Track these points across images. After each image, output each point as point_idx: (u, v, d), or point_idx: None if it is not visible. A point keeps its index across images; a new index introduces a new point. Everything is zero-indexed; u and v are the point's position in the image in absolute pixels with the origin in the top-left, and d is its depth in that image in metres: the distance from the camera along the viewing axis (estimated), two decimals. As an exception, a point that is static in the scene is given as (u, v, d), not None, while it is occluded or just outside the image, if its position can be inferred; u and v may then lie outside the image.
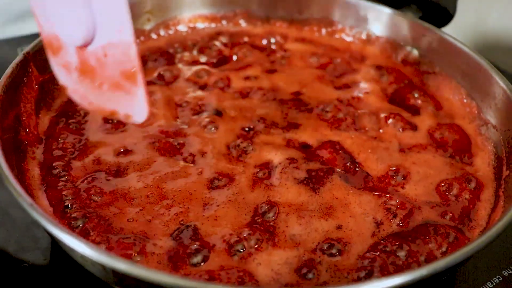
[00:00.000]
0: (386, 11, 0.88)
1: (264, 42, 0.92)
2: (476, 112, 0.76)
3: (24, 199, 0.50)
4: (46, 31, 0.58)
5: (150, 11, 0.88)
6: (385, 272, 0.53)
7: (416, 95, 0.80)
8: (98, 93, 0.56)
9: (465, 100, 0.78)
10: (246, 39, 0.92)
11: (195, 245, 0.54)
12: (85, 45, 0.54)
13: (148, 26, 0.89)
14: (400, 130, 0.73)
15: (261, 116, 0.73)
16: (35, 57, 0.70)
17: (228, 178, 0.63)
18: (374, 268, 0.53)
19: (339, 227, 0.58)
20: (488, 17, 1.16)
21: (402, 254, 0.55)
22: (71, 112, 0.72)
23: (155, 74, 0.82)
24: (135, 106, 0.54)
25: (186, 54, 0.87)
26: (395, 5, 0.88)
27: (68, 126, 0.70)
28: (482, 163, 0.70)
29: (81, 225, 0.56)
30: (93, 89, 0.57)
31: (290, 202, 0.60)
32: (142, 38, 0.89)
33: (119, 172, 0.63)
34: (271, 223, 0.57)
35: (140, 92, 0.53)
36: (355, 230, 0.58)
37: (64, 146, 0.67)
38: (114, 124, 0.70)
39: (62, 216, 0.57)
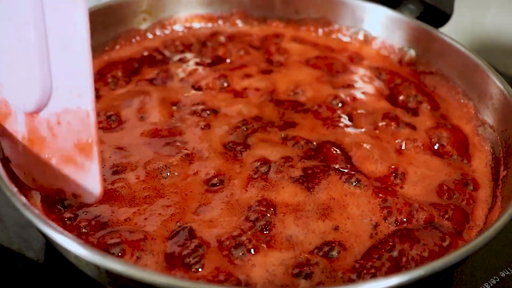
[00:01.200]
0: (383, 11, 0.87)
1: (261, 42, 0.91)
2: (473, 112, 0.75)
3: (17, 199, 0.49)
4: None
5: (146, 10, 0.88)
6: (383, 273, 0.52)
7: (412, 95, 0.80)
8: (44, 169, 0.51)
9: (462, 101, 0.78)
10: (242, 39, 0.92)
11: (191, 246, 0.54)
12: (36, 111, 0.49)
13: (144, 26, 0.88)
14: (397, 130, 0.73)
15: (257, 115, 0.73)
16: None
17: (224, 178, 0.62)
18: (371, 269, 0.53)
19: (336, 228, 0.57)
20: (485, 18, 1.16)
21: (400, 254, 0.55)
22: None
23: (151, 74, 0.81)
24: (87, 184, 0.49)
25: (182, 54, 0.87)
26: (392, 5, 0.87)
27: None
28: (480, 164, 0.69)
29: (75, 225, 0.55)
30: (38, 164, 0.51)
31: (287, 202, 0.60)
32: (137, 37, 0.88)
33: (114, 171, 0.62)
34: (268, 224, 0.57)
35: (94, 167, 0.48)
36: (352, 231, 0.57)
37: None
38: (109, 123, 0.70)
39: (56, 216, 0.56)
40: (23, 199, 0.49)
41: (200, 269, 0.52)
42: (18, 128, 0.51)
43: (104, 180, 0.58)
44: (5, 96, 0.51)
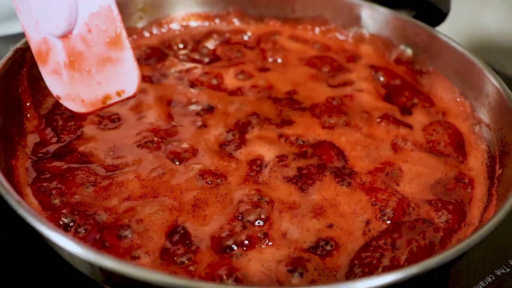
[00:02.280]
0: (379, 10, 0.87)
1: (258, 41, 0.91)
2: (469, 111, 0.75)
3: (11, 196, 0.49)
4: (34, 39, 0.59)
5: (142, 9, 0.88)
6: (377, 270, 0.52)
7: (409, 94, 0.80)
8: (89, 83, 0.56)
9: (458, 99, 0.78)
10: (239, 37, 0.92)
11: (186, 244, 0.54)
12: (70, 31, 0.55)
13: (140, 24, 0.88)
14: (393, 128, 0.73)
15: (255, 112, 0.73)
16: (26, 53, 0.69)
17: (220, 176, 0.62)
18: (365, 266, 0.53)
19: (330, 226, 0.57)
20: (482, 17, 1.16)
21: (393, 252, 0.55)
22: (61, 111, 0.71)
23: (147, 72, 0.81)
24: (126, 75, 0.54)
25: (179, 52, 0.87)
26: (388, 4, 0.87)
27: (60, 125, 0.69)
28: (476, 162, 0.69)
29: (69, 223, 0.55)
30: (83, 81, 0.56)
31: (283, 201, 0.60)
32: (134, 36, 0.88)
33: (110, 169, 0.62)
34: (263, 221, 0.57)
35: (128, 55, 0.53)
36: (345, 229, 0.57)
37: (54, 142, 0.66)
38: (106, 122, 0.70)
39: (51, 214, 0.56)
40: (17, 196, 0.49)
41: (194, 266, 0.52)
42: (59, 58, 0.58)
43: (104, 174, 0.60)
44: (43, 32, 0.57)
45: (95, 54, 0.55)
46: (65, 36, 0.56)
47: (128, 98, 0.55)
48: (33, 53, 0.61)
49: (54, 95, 0.61)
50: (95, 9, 0.53)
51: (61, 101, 0.61)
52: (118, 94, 0.55)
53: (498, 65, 0.98)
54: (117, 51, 0.53)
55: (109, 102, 0.57)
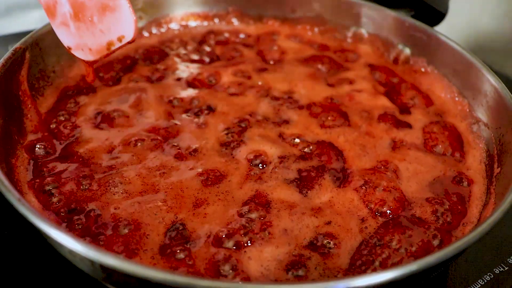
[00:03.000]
0: (378, 9, 0.88)
1: (257, 40, 0.91)
2: (467, 110, 0.76)
3: (12, 194, 0.49)
4: None
5: (142, 8, 0.88)
6: (376, 267, 0.53)
7: (408, 93, 0.80)
8: (93, 32, 0.61)
9: (457, 98, 0.78)
10: (238, 37, 0.92)
11: (185, 241, 0.54)
12: None
13: (140, 24, 0.89)
14: (392, 128, 0.73)
15: (253, 111, 0.73)
16: (26, 53, 0.69)
17: (221, 174, 0.63)
18: (365, 264, 0.53)
19: (328, 223, 0.58)
20: (480, 17, 1.17)
21: (392, 249, 0.55)
22: (61, 110, 0.72)
23: (147, 71, 0.81)
24: (123, 21, 0.59)
25: (178, 52, 0.87)
26: (387, 4, 0.88)
27: (60, 123, 0.69)
28: (474, 161, 0.70)
29: (69, 220, 0.55)
30: (88, 30, 0.61)
31: (282, 199, 0.60)
32: (134, 35, 0.88)
33: (110, 167, 0.63)
34: (263, 220, 0.57)
35: (123, 1, 0.58)
36: (343, 226, 0.58)
37: (53, 142, 0.66)
38: (105, 120, 0.70)
39: (50, 212, 0.56)
40: (18, 195, 0.49)
41: (193, 262, 0.52)
42: (65, 9, 0.62)
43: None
44: None
45: (95, 3, 0.59)
46: None
47: (128, 42, 0.60)
48: (43, 8, 0.64)
49: (66, 46, 0.65)
50: None
51: (72, 52, 0.65)
52: (119, 39, 0.60)
53: (497, 64, 0.98)
54: (111, 1, 0.58)
55: (112, 48, 0.61)
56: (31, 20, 1.01)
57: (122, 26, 0.60)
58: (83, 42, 0.63)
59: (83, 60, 0.65)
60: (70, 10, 0.62)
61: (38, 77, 0.73)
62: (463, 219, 0.62)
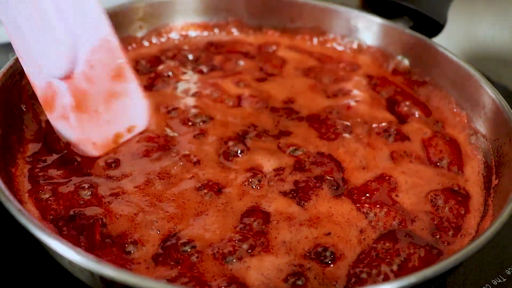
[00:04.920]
0: (377, 20, 0.88)
1: (256, 50, 0.92)
2: (466, 121, 0.76)
3: (12, 204, 0.49)
4: (39, 87, 0.58)
5: (142, 18, 0.88)
6: (374, 280, 0.53)
7: (406, 104, 0.80)
8: (97, 124, 0.55)
9: (455, 110, 0.79)
10: (238, 47, 0.92)
11: (185, 252, 0.54)
12: (71, 69, 0.54)
13: (140, 34, 0.89)
14: (391, 139, 0.73)
15: (252, 123, 0.73)
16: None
17: (219, 186, 0.63)
18: (363, 276, 0.53)
19: (327, 234, 0.58)
20: (478, 28, 1.17)
21: (390, 262, 0.55)
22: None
23: (146, 81, 0.81)
24: (133, 108, 0.53)
25: (178, 61, 0.87)
26: (386, 15, 0.88)
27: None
28: (472, 172, 0.70)
29: (68, 229, 0.55)
30: (91, 122, 0.55)
31: (280, 211, 0.60)
32: (134, 45, 0.89)
33: (109, 178, 0.63)
34: (262, 231, 0.57)
35: (133, 86, 0.52)
36: (342, 237, 0.58)
37: (53, 152, 0.66)
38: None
39: (49, 222, 0.56)
40: (18, 205, 0.49)
41: (193, 274, 0.52)
42: (65, 100, 0.56)
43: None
44: (47, 76, 0.56)
45: (101, 91, 0.54)
46: (68, 76, 0.54)
47: (140, 133, 0.54)
48: (41, 102, 0.59)
49: (65, 142, 0.60)
50: (95, 42, 0.51)
51: (72, 147, 0.59)
52: (129, 130, 0.55)
53: (495, 75, 0.99)
54: (122, 84, 0.52)
55: (121, 140, 0.55)
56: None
57: (132, 114, 0.54)
58: (86, 136, 0.57)
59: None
60: (71, 100, 0.55)
61: (39, 86, 0.73)
62: (461, 231, 0.62)
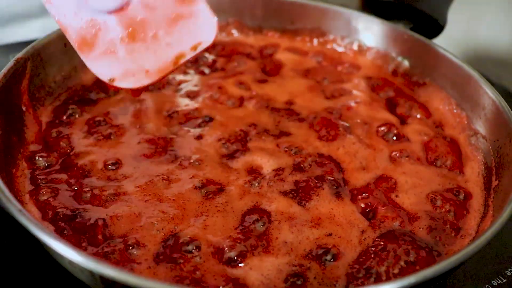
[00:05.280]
0: (377, 22, 0.88)
1: (256, 52, 0.92)
2: (466, 122, 0.76)
3: (13, 205, 0.49)
4: (73, 28, 0.55)
5: (143, 19, 0.88)
6: (374, 280, 0.53)
7: (406, 105, 0.81)
8: (154, 50, 0.54)
9: (455, 111, 0.79)
10: (238, 48, 0.92)
11: (185, 252, 0.54)
12: (127, 1, 0.52)
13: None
14: (391, 140, 0.73)
15: (253, 122, 0.73)
16: (27, 63, 0.69)
17: (220, 186, 0.63)
18: (363, 277, 0.53)
19: (329, 235, 0.58)
20: (478, 29, 1.18)
21: (390, 262, 0.55)
22: (62, 120, 0.72)
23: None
24: (201, 26, 0.52)
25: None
26: (386, 16, 0.88)
27: (60, 134, 0.70)
28: (472, 173, 0.70)
29: (70, 231, 0.55)
30: (147, 50, 0.54)
31: (282, 211, 0.60)
32: (134, 46, 0.88)
33: (110, 179, 0.63)
34: (263, 231, 0.57)
35: (202, 5, 0.51)
36: (344, 237, 0.58)
37: (54, 153, 0.66)
38: (105, 132, 0.70)
39: (50, 222, 0.56)
40: (19, 205, 0.49)
41: (194, 274, 0.52)
42: (113, 35, 0.54)
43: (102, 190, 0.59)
44: (92, 13, 0.54)
45: (162, 16, 0.52)
46: (119, 9, 0.53)
47: (206, 49, 0.53)
48: (74, 42, 0.56)
49: (106, 80, 0.57)
50: None
51: (116, 83, 0.57)
52: (194, 48, 0.54)
53: (494, 76, 0.99)
54: (189, 6, 0.51)
55: (182, 60, 0.54)
56: (33, 29, 1.02)
57: (198, 33, 0.52)
58: (137, 66, 0.55)
59: (129, 88, 0.57)
60: (122, 33, 0.54)
61: (39, 87, 0.73)
62: (461, 231, 0.62)
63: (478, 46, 1.18)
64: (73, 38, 0.56)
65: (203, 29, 0.52)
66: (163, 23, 0.53)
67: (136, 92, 0.58)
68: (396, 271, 0.54)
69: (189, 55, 0.54)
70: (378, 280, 0.53)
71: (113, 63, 0.56)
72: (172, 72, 0.56)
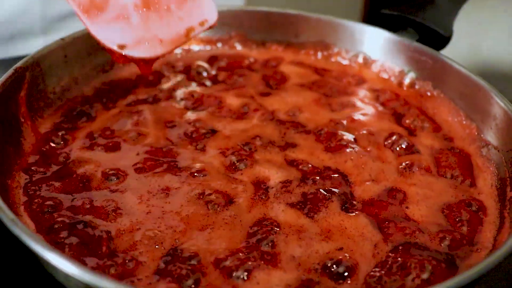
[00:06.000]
0: (382, 34, 0.87)
1: (260, 65, 0.91)
2: (476, 133, 0.74)
3: (6, 214, 0.47)
4: None
5: (144, 32, 0.87)
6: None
7: (414, 117, 0.79)
8: (168, 21, 0.56)
9: (464, 122, 0.77)
10: (241, 62, 0.91)
11: (189, 267, 0.51)
12: None
13: (142, 48, 0.87)
14: (399, 152, 0.71)
15: (257, 135, 0.71)
16: (26, 73, 0.68)
17: (227, 198, 0.60)
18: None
19: (340, 249, 0.55)
20: (482, 43, 1.17)
21: (405, 275, 0.52)
22: (60, 132, 0.70)
23: (148, 94, 0.80)
24: (204, 5, 0.56)
25: (180, 75, 0.86)
26: (391, 28, 0.87)
27: (58, 145, 0.68)
28: (485, 185, 0.68)
29: (66, 244, 0.52)
30: (161, 20, 0.55)
31: (290, 224, 0.58)
32: (136, 59, 0.87)
33: (109, 190, 0.60)
34: (271, 245, 0.55)
35: None
36: (355, 250, 0.55)
37: (51, 164, 0.64)
38: (104, 143, 0.68)
39: (46, 235, 0.54)
40: (12, 215, 0.47)
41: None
42: (126, 0, 0.55)
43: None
44: None
45: None
46: None
47: (210, 27, 0.57)
48: (81, 7, 0.54)
49: (115, 46, 0.55)
50: None
51: (125, 50, 0.56)
52: (201, 24, 0.58)
53: (498, 89, 0.97)
54: None
55: (192, 34, 0.58)
56: (36, 47, 1.01)
57: (204, 10, 0.57)
58: (151, 34, 0.57)
59: (140, 59, 0.57)
60: (137, 1, 0.55)
61: (38, 98, 0.71)
62: (477, 245, 0.59)
63: (481, 59, 1.17)
64: (80, 1, 0.55)
65: (207, 8, 0.57)
66: None
67: (146, 66, 0.58)
68: (411, 285, 0.51)
69: (198, 29, 0.58)
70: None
71: (124, 29, 0.55)
72: (184, 44, 0.58)
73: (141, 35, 0.56)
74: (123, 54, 0.56)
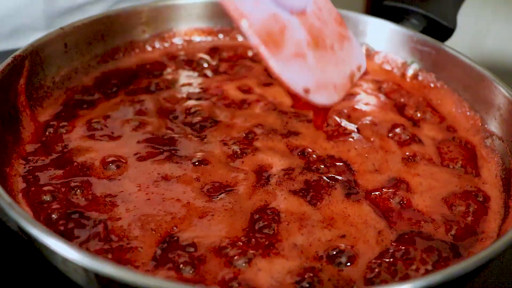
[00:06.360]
0: (385, 25, 0.86)
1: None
2: (480, 124, 0.73)
3: (3, 198, 0.46)
4: (255, 17, 0.46)
5: (145, 22, 0.86)
6: (394, 280, 0.49)
7: (418, 108, 0.78)
8: (336, 62, 0.51)
9: (468, 113, 0.76)
10: (243, 52, 0.90)
11: (190, 252, 0.51)
12: (305, 7, 0.50)
13: (143, 38, 0.87)
14: (403, 143, 0.70)
15: (259, 123, 0.71)
16: (25, 61, 0.67)
17: (227, 186, 0.60)
18: (381, 277, 0.50)
19: (342, 236, 0.54)
20: (485, 37, 1.16)
21: (409, 263, 0.51)
22: (60, 121, 0.69)
23: (149, 84, 0.79)
24: (356, 50, 0.55)
25: (181, 66, 0.85)
26: (395, 19, 0.86)
27: (57, 134, 0.67)
28: (489, 175, 0.67)
29: (65, 231, 0.52)
30: (330, 61, 0.50)
31: (292, 211, 0.57)
32: (136, 50, 0.86)
33: (108, 179, 0.60)
34: (272, 232, 0.54)
35: (350, 32, 0.54)
36: (359, 238, 0.54)
37: (51, 153, 0.64)
38: (105, 133, 0.67)
39: (44, 223, 0.53)
40: (9, 198, 0.46)
41: (199, 275, 0.49)
42: (299, 35, 0.48)
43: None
44: (278, 6, 0.48)
45: (332, 30, 0.51)
46: (302, 12, 0.49)
47: (364, 74, 0.54)
48: (255, 34, 0.45)
49: (300, 90, 0.47)
50: None
51: (311, 95, 0.47)
52: (358, 69, 0.54)
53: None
54: (343, 29, 0.53)
55: (354, 79, 0.53)
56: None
57: (358, 55, 0.54)
58: (327, 77, 0.49)
59: (316, 107, 0.49)
60: (306, 36, 0.48)
61: (37, 87, 0.70)
62: (481, 234, 0.58)
63: (484, 54, 1.16)
64: (255, 28, 0.45)
65: (358, 52, 0.55)
66: (335, 37, 0.51)
67: (322, 117, 0.53)
68: (415, 272, 0.50)
69: (357, 75, 0.54)
70: (396, 280, 0.49)
71: (303, 70, 0.48)
72: (350, 89, 0.54)
73: (319, 77, 0.49)
74: (308, 99, 0.48)
